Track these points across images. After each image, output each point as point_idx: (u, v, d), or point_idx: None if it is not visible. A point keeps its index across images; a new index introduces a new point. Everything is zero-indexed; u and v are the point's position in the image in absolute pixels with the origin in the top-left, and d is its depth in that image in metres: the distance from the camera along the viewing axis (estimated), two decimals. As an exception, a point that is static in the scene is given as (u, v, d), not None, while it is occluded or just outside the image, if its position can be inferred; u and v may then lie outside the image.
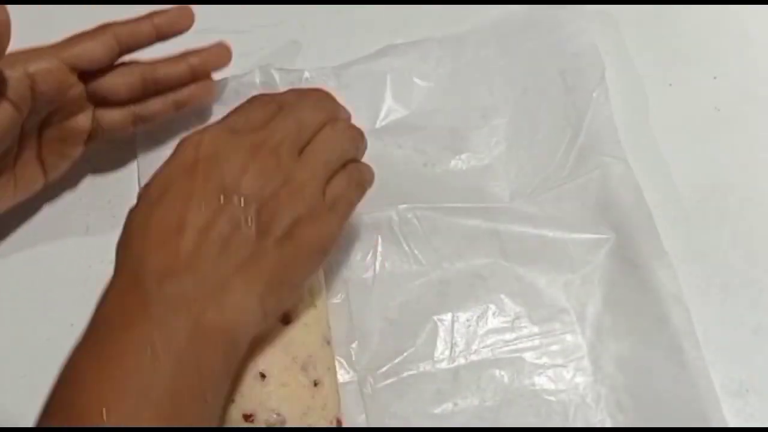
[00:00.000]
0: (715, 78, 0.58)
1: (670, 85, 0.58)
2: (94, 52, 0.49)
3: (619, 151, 0.53)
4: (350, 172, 0.47)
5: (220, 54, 0.54)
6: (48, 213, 0.54)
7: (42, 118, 0.50)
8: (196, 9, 0.57)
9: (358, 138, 0.48)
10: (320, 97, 0.48)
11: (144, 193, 0.42)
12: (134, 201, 0.43)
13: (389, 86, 0.57)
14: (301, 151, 0.44)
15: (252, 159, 0.42)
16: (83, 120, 0.51)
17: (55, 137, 0.51)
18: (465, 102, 0.56)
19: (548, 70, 0.56)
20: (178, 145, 0.43)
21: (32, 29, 0.59)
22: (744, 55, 0.59)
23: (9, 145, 0.49)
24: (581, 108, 0.54)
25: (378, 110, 0.56)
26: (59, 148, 0.52)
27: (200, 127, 0.45)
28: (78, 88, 0.50)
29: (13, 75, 0.47)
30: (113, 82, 0.51)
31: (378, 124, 0.56)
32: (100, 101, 0.52)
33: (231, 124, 0.44)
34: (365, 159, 0.49)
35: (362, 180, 0.48)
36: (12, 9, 0.57)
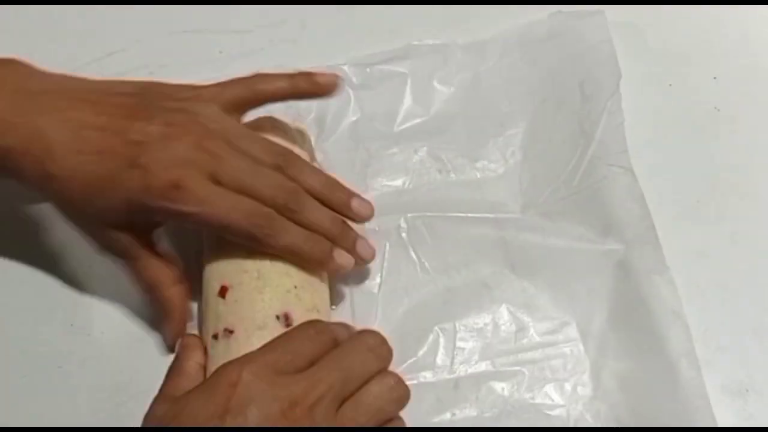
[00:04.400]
0: (715, 78, 0.58)
1: (670, 85, 0.58)
2: None
3: (626, 160, 0.52)
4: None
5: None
6: (49, 213, 0.54)
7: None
8: (197, 9, 0.57)
9: (404, 398, 0.43)
10: (375, 344, 0.43)
11: (161, 409, 0.40)
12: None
13: (409, 89, 0.56)
14: (342, 403, 0.41)
15: (283, 419, 0.39)
16: None
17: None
18: (484, 109, 0.56)
19: (568, 80, 0.55)
20: (215, 374, 0.40)
21: (32, 29, 0.60)
22: (744, 55, 0.59)
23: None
24: (595, 118, 0.53)
25: (396, 113, 0.55)
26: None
27: None
28: None
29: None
30: None
31: (396, 128, 0.55)
32: None
33: (274, 361, 0.41)
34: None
35: None
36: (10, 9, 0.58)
